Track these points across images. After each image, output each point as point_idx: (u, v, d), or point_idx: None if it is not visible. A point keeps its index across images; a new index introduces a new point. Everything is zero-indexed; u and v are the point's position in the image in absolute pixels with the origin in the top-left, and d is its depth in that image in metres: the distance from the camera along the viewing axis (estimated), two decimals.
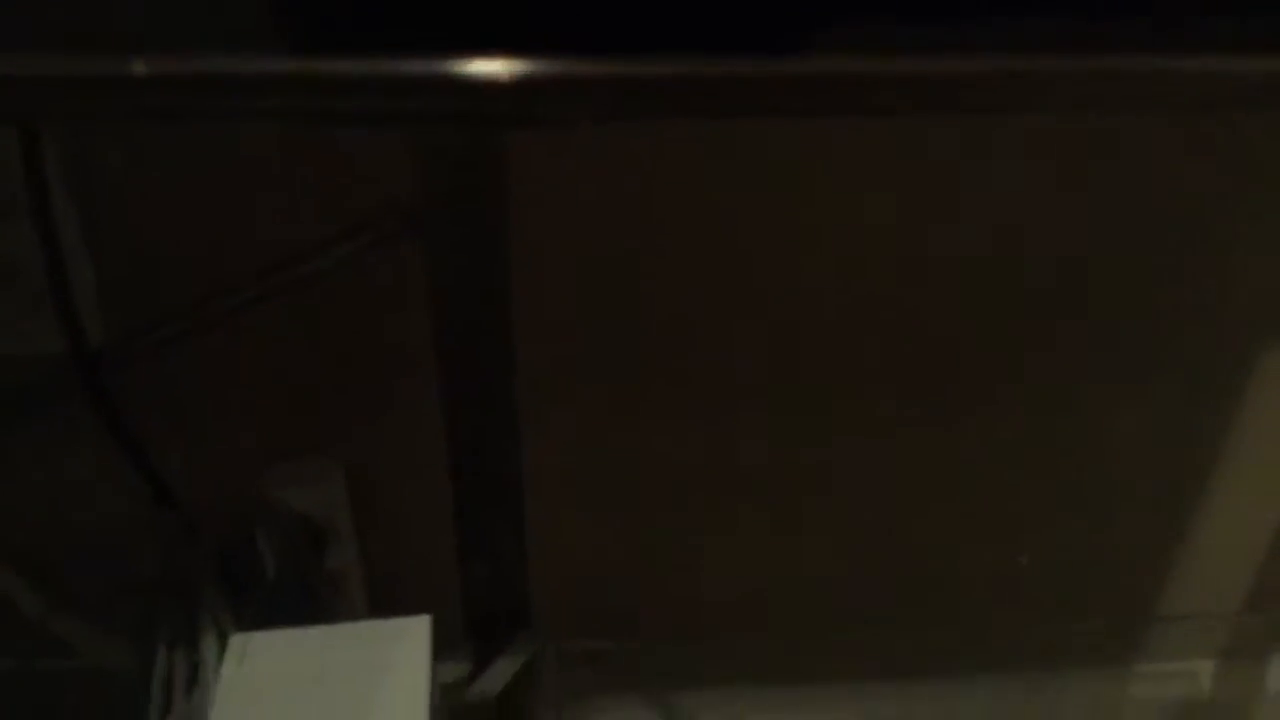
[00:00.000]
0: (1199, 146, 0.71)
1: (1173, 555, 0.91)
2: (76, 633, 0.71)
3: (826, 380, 0.79)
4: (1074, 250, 0.75)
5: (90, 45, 0.38)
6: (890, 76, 0.41)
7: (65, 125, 0.61)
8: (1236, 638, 0.95)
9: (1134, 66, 0.40)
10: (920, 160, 0.70)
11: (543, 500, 0.69)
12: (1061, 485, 0.86)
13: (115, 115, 0.56)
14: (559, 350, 0.74)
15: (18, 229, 0.62)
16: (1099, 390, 0.81)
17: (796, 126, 0.65)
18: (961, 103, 0.43)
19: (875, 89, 0.41)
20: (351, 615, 0.74)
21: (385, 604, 0.80)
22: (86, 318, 0.64)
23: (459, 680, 0.69)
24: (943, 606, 0.91)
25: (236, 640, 0.55)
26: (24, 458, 0.72)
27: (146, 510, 0.69)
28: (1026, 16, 0.39)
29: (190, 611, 0.63)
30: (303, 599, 0.68)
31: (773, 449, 0.82)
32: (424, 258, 0.56)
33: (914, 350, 0.78)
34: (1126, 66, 0.40)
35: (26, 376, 0.67)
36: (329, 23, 0.39)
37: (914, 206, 0.72)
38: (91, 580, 0.69)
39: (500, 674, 0.69)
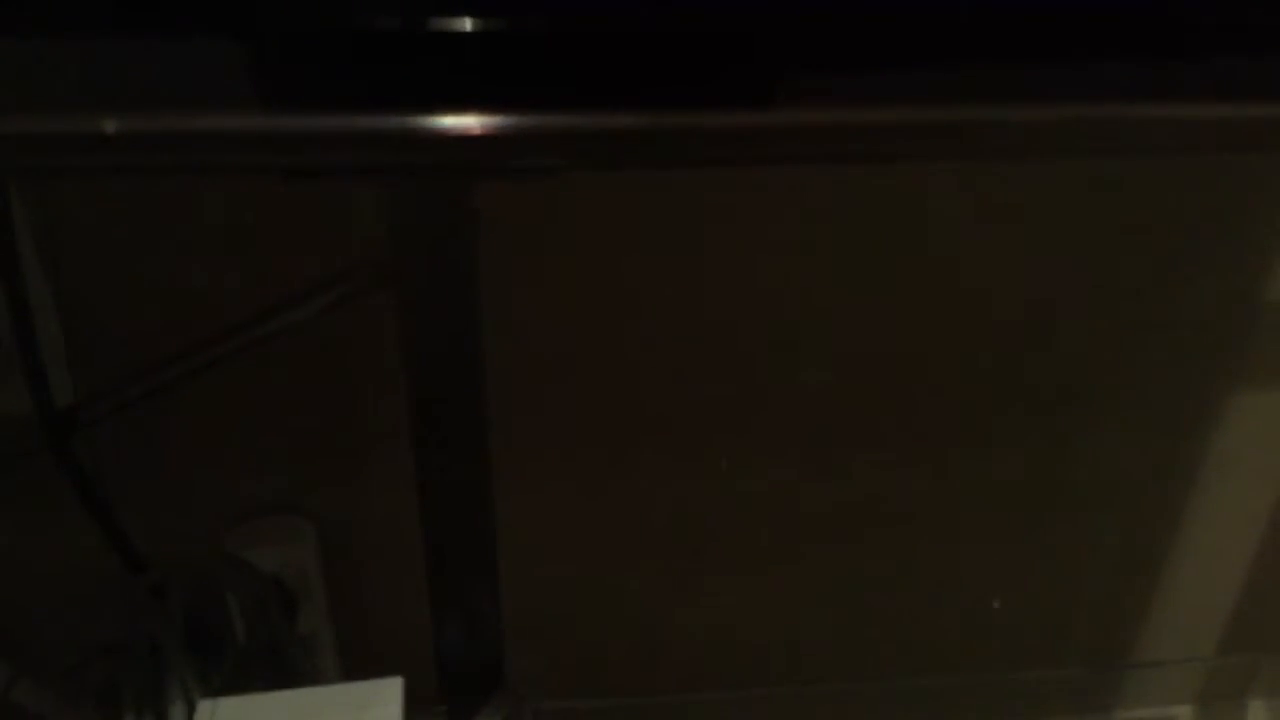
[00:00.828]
0: (1166, 190, 0.72)
1: (1149, 600, 0.91)
2: (40, 699, 0.70)
3: (797, 434, 0.79)
4: (1043, 296, 0.76)
5: (62, 103, 0.38)
6: (860, 126, 0.41)
7: (34, 183, 0.61)
8: (1214, 682, 0.95)
9: (1103, 114, 0.41)
10: (895, 203, 0.71)
11: (517, 558, 0.68)
12: (1035, 529, 0.86)
13: (86, 172, 0.56)
14: (533, 405, 0.74)
15: None
16: (1071, 436, 0.82)
17: (770, 172, 0.66)
18: (930, 150, 0.44)
19: (845, 139, 0.42)
20: (323, 678, 0.74)
21: (357, 666, 0.78)
22: (54, 377, 0.64)
23: None
24: (916, 654, 0.90)
25: (204, 707, 0.53)
26: None
27: (112, 571, 0.67)
28: (1004, 66, 0.40)
29: (157, 677, 0.61)
30: (273, 662, 0.66)
31: (745, 503, 0.81)
32: (396, 312, 0.56)
33: (885, 400, 0.78)
34: (1094, 114, 0.41)
35: None
36: (300, 79, 0.39)
37: (891, 255, 0.73)
38: (56, 645, 0.68)
39: None
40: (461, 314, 0.55)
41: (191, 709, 0.56)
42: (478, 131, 0.39)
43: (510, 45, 0.39)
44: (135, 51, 0.38)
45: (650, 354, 0.74)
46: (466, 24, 0.38)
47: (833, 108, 0.40)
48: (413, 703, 0.54)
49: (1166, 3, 0.39)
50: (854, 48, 0.39)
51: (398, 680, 0.55)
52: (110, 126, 0.38)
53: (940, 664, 0.91)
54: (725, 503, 0.81)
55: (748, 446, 0.79)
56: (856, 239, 0.72)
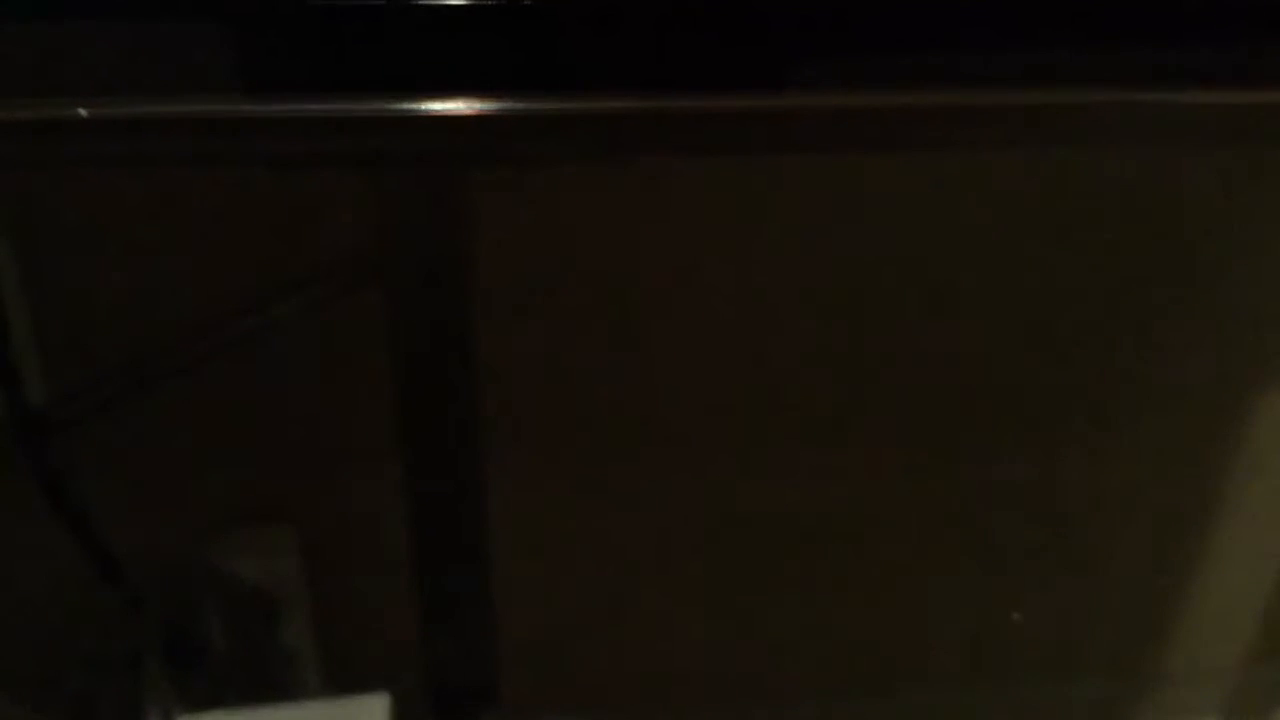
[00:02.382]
0: (1193, 184, 0.71)
1: (1174, 610, 0.90)
2: (10, 714, 0.69)
3: (801, 439, 0.78)
4: (1069, 297, 0.75)
5: (33, 88, 0.37)
6: (873, 110, 0.40)
7: (4, 173, 0.60)
8: (1242, 694, 0.94)
9: (1125, 98, 0.39)
10: (904, 198, 0.69)
11: (509, 569, 0.67)
12: (1056, 539, 0.85)
13: (60, 160, 0.54)
14: (528, 408, 0.72)
15: None
16: (1094, 441, 0.81)
17: (772, 162, 0.65)
18: (946, 137, 0.42)
19: (855, 123, 0.40)
20: (306, 693, 0.72)
21: (342, 681, 0.77)
22: (25, 376, 0.62)
23: None
24: (933, 668, 0.89)
25: None
26: None
27: (87, 580, 0.66)
28: (1014, 50, 0.38)
29: (134, 690, 0.61)
30: (254, 676, 0.66)
31: (746, 515, 0.80)
32: (384, 310, 0.55)
33: (896, 404, 0.77)
34: (1118, 99, 0.39)
35: None
36: (285, 62, 0.38)
37: (899, 252, 0.71)
38: (27, 657, 0.67)
39: None
40: (452, 312, 0.54)
41: None
42: (467, 116, 0.38)
43: (504, 21, 0.37)
44: (110, 34, 0.37)
45: (656, 357, 0.73)
46: None
47: (846, 91, 0.39)
48: (400, 719, 0.53)
49: None
50: (868, 28, 0.38)
51: (384, 696, 0.54)
52: (85, 112, 0.37)
53: (959, 677, 0.90)
54: (729, 511, 0.80)
55: (751, 450, 0.78)
56: (860, 236, 0.71)
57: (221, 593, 0.66)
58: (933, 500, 0.82)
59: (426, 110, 0.38)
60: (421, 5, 0.37)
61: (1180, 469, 0.83)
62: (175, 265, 0.65)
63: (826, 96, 0.39)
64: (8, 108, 0.38)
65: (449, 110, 0.38)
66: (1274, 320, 0.78)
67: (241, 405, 0.69)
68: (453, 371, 0.57)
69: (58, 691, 0.69)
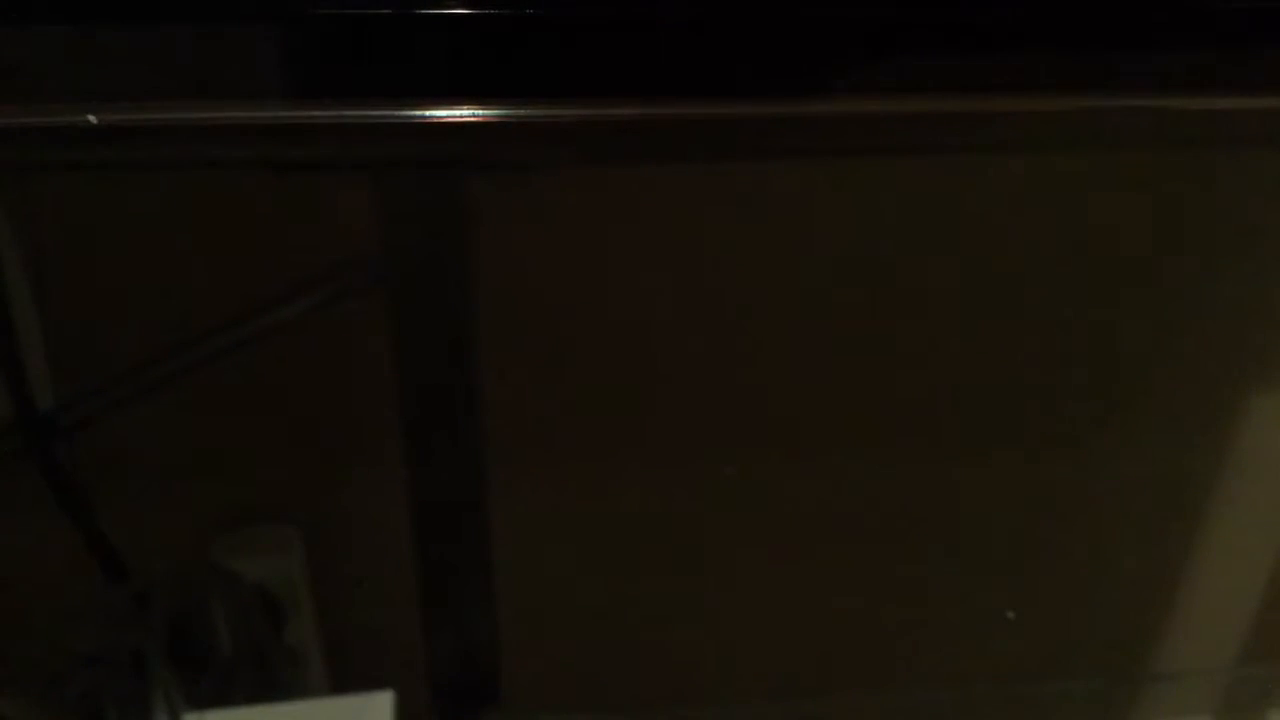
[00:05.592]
0: (1180, 188, 0.72)
1: (1167, 609, 0.90)
2: (20, 710, 0.69)
3: (802, 440, 0.78)
4: (1060, 302, 0.75)
5: (43, 94, 0.37)
6: (870, 117, 0.40)
7: (14, 178, 0.60)
8: (1235, 693, 0.94)
9: (1132, 104, 0.40)
10: (902, 199, 0.70)
11: (510, 569, 0.67)
12: (1050, 538, 0.85)
13: (67, 166, 0.55)
14: (528, 411, 0.72)
15: None
16: (1089, 441, 0.81)
17: (768, 167, 0.65)
18: (959, 142, 0.43)
19: (856, 130, 0.41)
20: (311, 691, 0.72)
21: (346, 679, 0.77)
22: (34, 378, 0.63)
23: None
24: (925, 666, 0.89)
25: None
26: None
27: (93, 580, 0.66)
28: (1031, 54, 0.39)
29: (140, 689, 0.61)
30: (259, 674, 0.65)
31: (748, 514, 0.80)
32: (388, 312, 0.55)
33: (895, 404, 0.77)
34: (1125, 105, 0.40)
35: None
36: (289, 69, 0.39)
37: (898, 253, 0.72)
38: (34, 655, 0.67)
39: None
40: (455, 315, 0.55)
41: None
42: (471, 122, 0.38)
43: (509, 29, 0.37)
44: (118, 41, 0.37)
45: (656, 357, 0.73)
46: (461, 6, 0.37)
47: (850, 98, 0.39)
48: (404, 717, 0.53)
49: None
50: (873, 34, 0.38)
51: (388, 694, 0.54)
52: (93, 119, 0.37)
53: (952, 676, 0.90)
54: (729, 510, 0.80)
55: (753, 452, 0.78)
56: (861, 238, 0.71)
57: (227, 593, 0.66)
58: (929, 499, 0.82)
59: (430, 116, 0.38)
60: (426, 14, 0.37)
61: (1174, 470, 0.83)
62: (181, 269, 0.65)
63: (827, 104, 0.39)
64: (16, 114, 0.38)
65: (453, 117, 0.38)
66: (1267, 321, 0.78)
67: (247, 407, 0.70)
68: (455, 374, 0.57)
69: (64, 691, 0.69)
